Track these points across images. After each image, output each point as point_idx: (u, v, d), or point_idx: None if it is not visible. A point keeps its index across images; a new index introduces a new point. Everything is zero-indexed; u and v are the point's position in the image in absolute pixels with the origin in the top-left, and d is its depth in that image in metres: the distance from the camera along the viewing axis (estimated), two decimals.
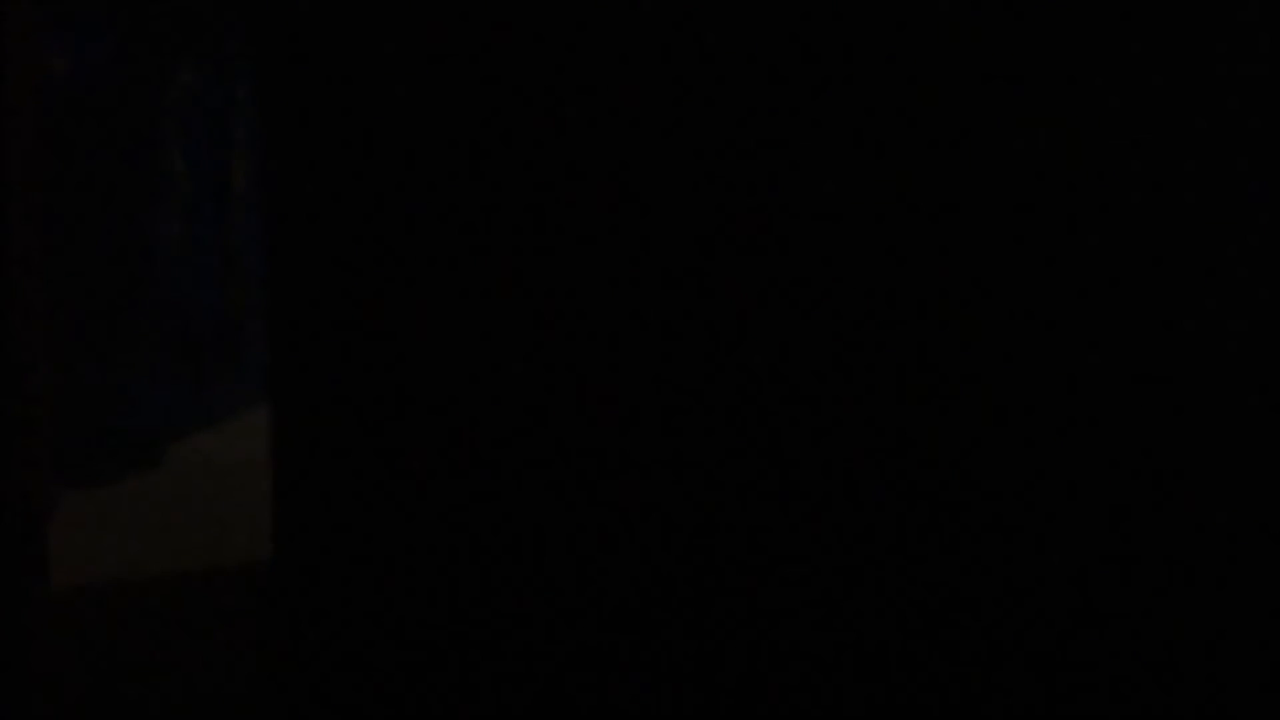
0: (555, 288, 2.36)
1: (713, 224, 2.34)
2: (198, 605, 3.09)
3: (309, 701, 2.48)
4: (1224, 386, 2.29)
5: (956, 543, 2.32)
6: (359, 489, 2.44)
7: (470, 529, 2.41)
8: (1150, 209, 2.29)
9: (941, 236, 2.31)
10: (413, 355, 2.40)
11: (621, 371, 2.36)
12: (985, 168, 2.30)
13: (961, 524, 2.32)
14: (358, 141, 2.41)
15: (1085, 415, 2.30)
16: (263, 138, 2.55)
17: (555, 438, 2.38)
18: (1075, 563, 2.31)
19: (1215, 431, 2.29)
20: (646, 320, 2.35)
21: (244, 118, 4.08)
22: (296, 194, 2.47)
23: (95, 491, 4.03)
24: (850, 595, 2.35)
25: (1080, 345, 2.30)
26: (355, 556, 2.45)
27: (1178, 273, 2.29)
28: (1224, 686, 2.28)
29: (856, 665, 2.35)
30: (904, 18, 2.30)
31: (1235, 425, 2.28)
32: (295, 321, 2.47)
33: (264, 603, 2.64)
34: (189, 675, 2.90)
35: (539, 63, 2.35)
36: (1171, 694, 2.29)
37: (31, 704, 2.67)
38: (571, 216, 2.35)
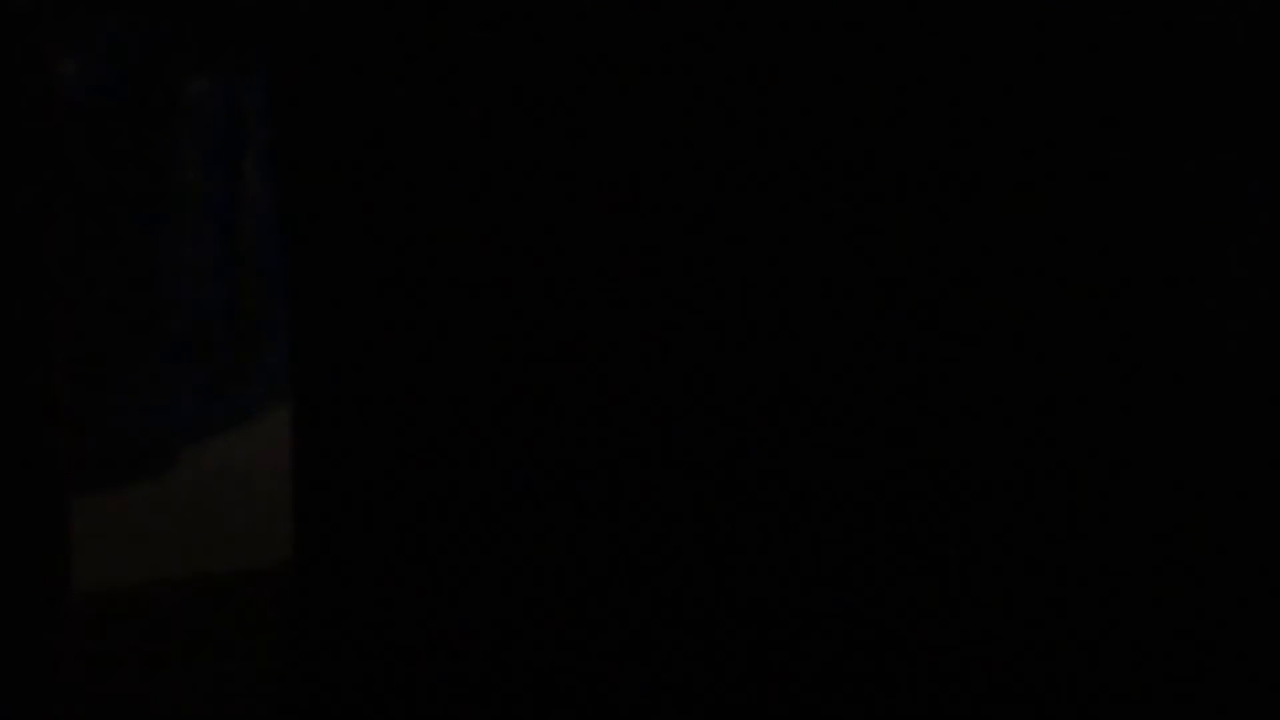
0: (577, 287, 2.37)
1: (728, 224, 2.35)
2: (205, 610, 3.10)
3: (323, 707, 2.49)
4: (1224, 386, 2.29)
5: (957, 543, 2.33)
6: (381, 494, 2.45)
7: (495, 533, 2.41)
8: (1150, 209, 2.29)
9: (942, 237, 2.31)
10: (433, 357, 2.41)
11: (655, 377, 2.36)
12: (985, 168, 2.31)
13: (962, 524, 2.33)
14: (375, 143, 2.42)
15: (1086, 415, 2.31)
16: (276, 142, 2.56)
17: (583, 438, 2.38)
18: (1075, 563, 2.31)
19: (1215, 431, 2.29)
20: (676, 324, 2.36)
21: (257, 122, 4.09)
22: (315, 198, 2.48)
23: (105, 497, 4.03)
24: (850, 595, 2.35)
25: (1081, 345, 2.30)
26: (377, 561, 2.45)
27: (1178, 273, 2.29)
28: (1224, 686, 2.28)
29: (856, 664, 2.35)
30: (904, 17, 2.30)
31: (1235, 425, 2.29)
32: (317, 325, 2.48)
33: (280, 608, 2.65)
34: (194, 679, 2.91)
35: (551, 64, 2.36)
36: (1171, 694, 2.29)
37: (40, 706, 2.68)
38: (591, 216, 2.36)
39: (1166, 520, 2.29)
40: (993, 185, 2.31)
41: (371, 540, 2.46)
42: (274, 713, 2.72)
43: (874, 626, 2.35)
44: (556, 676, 2.40)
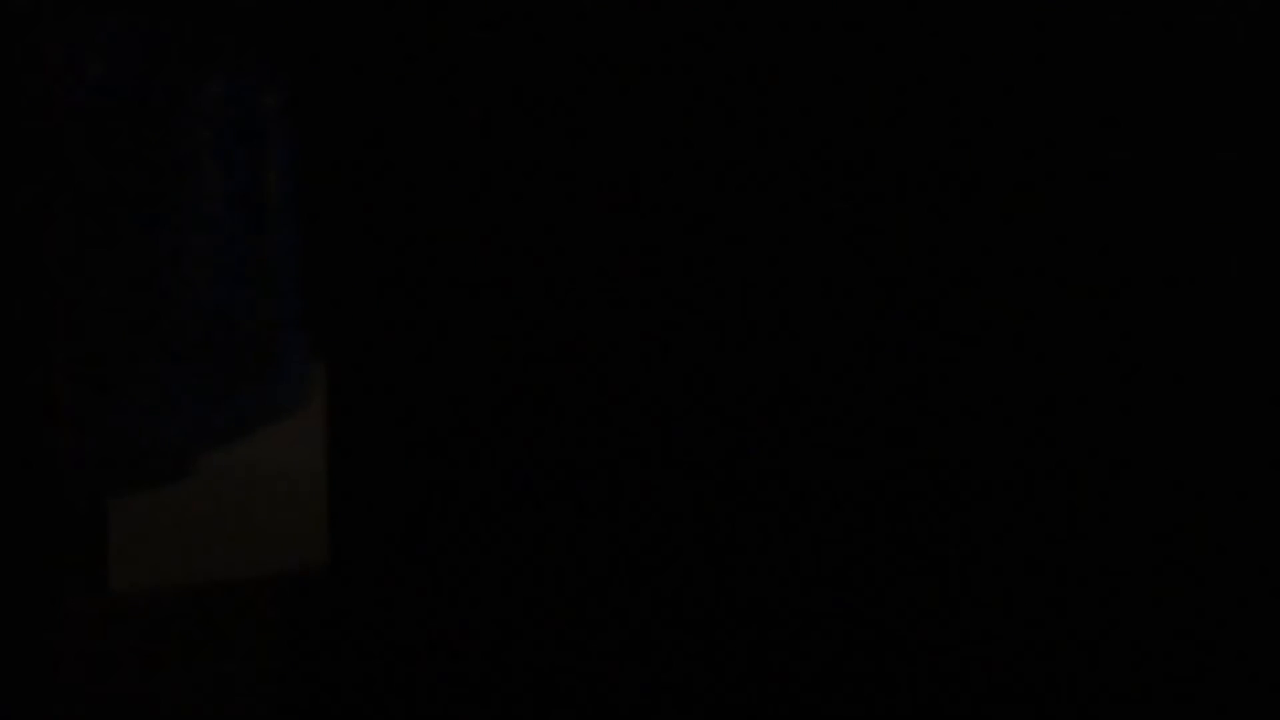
0: (610, 287, 2.36)
1: (761, 226, 2.35)
2: (206, 610, 3.09)
3: (342, 710, 2.48)
4: (1224, 386, 2.28)
5: (957, 543, 2.32)
6: (416, 497, 2.44)
7: (529, 535, 2.40)
8: (1150, 209, 2.29)
9: (942, 237, 2.31)
10: (467, 359, 2.40)
11: (714, 380, 2.35)
12: (985, 168, 2.30)
13: (962, 524, 2.32)
14: (402, 143, 2.41)
15: (1086, 415, 2.30)
16: (300, 144, 2.55)
17: (617, 439, 2.37)
18: (1075, 563, 2.31)
19: (1215, 431, 2.28)
20: (714, 325, 2.35)
21: (277, 126, 4.08)
22: (344, 198, 2.47)
23: (123, 502, 4.01)
24: (850, 595, 2.35)
25: (1081, 345, 2.30)
26: (411, 565, 2.44)
27: (1178, 273, 2.29)
28: (1224, 686, 2.28)
29: (856, 665, 2.35)
30: (904, 17, 2.30)
31: (1235, 425, 2.28)
32: (350, 329, 2.47)
33: (288, 610, 2.64)
34: (194, 679, 2.91)
35: (585, 62, 2.35)
36: (1171, 694, 2.29)
37: (40, 707, 2.68)
38: (622, 217, 2.36)
39: (1166, 520, 2.29)
40: (993, 185, 2.31)
41: (406, 544, 2.45)
42: (275, 713, 2.71)
43: (874, 626, 2.35)
44: (593, 688, 2.40)
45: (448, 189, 2.40)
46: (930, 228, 2.32)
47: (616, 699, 2.39)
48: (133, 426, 4.03)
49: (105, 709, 2.81)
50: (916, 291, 2.33)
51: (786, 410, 2.35)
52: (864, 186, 2.33)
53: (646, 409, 2.36)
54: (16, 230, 2.66)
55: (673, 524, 2.36)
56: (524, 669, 2.40)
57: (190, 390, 4.14)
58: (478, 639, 2.42)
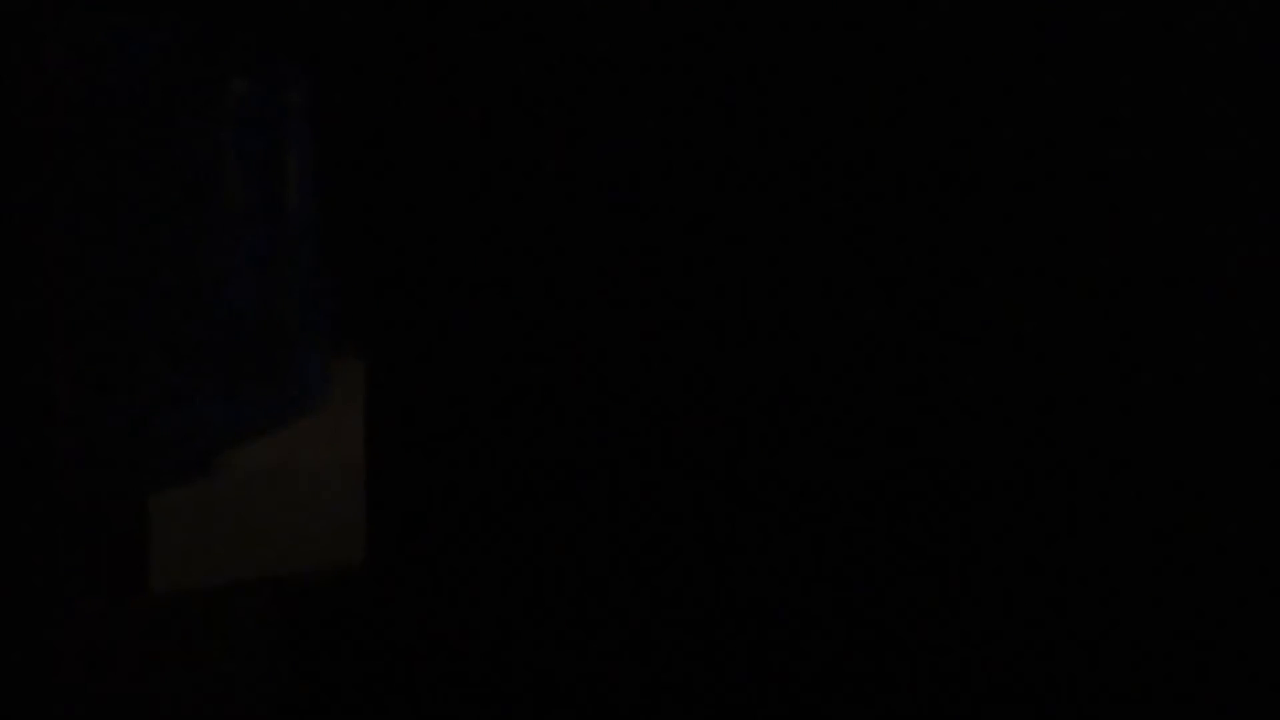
0: (641, 289, 2.37)
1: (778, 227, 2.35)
2: (228, 616, 3.11)
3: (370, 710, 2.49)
4: (1224, 387, 2.28)
5: (957, 543, 2.33)
6: (455, 497, 2.44)
7: (569, 543, 2.41)
8: (1150, 209, 2.29)
9: (942, 237, 2.31)
10: (499, 359, 2.41)
11: (756, 385, 2.35)
12: (985, 168, 2.31)
13: (962, 524, 2.33)
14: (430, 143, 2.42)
15: (1086, 415, 2.31)
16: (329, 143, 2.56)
17: (647, 445, 2.38)
18: (1075, 563, 2.31)
19: (1215, 431, 2.28)
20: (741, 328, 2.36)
21: (293, 122, 4.08)
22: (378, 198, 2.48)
23: (131, 503, 4.02)
24: (850, 595, 2.35)
25: (1081, 345, 2.30)
26: (453, 567, 2.44)
27: (1178, 273, 2.29)
28: (1224, 687, 2.28)
29: (856, 665, 2.35)
30: (904, 17, 2.30)
31: (1235, 425, 2.28)
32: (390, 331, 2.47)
33: (328, 615, 2.64)
34: (194, 679, 2.92)
35: (611, 61, 2.36)
36: (1171, 694, 2.29)
37: (40, 706, 2.69)
38: (648, 221, 2.36)
39: (1167, 520, 2.29)
40: (993, 185, 2.31)
41: (445, 545, 2.45)
42: (277, 714, 2.72)
43: (874, 626, 2.35)
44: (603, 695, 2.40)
45: (487, 184, 2.40)
46: (930, 228, 2.32)
47: (617, 701, 2.40)
48: (144, 425, 4.04)
49: (106, 709, 2.82)
50: (916, 291, 2.33)
51: (855, 413, 2.35)
52: (864, 186, 2.34)
53: (718, 410, 2.36)
54: (16, 229, 2.67)
55: (718, 523, 2.37)
56: (549, 676, 2.41)
57: (204, 389, 4.15)
58: (514, 642, 2.43)
